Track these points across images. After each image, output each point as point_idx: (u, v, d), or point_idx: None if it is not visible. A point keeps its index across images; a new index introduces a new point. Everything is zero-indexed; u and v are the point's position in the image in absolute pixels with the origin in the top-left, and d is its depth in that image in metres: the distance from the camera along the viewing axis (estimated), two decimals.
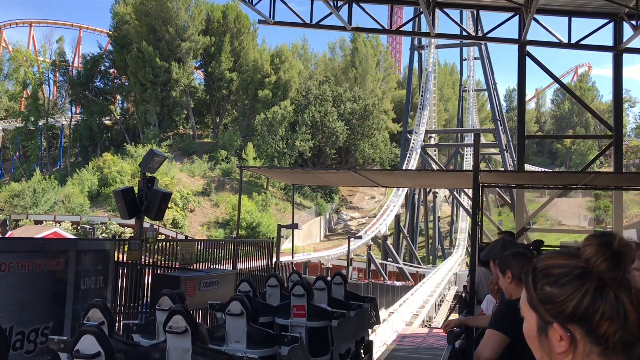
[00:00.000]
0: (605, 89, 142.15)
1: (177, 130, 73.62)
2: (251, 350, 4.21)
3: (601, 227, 49.13)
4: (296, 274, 7.84)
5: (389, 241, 53.80)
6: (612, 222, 16.19)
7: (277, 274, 7.41)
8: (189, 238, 41.72)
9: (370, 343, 7.95)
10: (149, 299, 8.62)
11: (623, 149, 14.21)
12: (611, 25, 13.54)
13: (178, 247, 9.78)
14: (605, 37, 13.86)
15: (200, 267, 10.19)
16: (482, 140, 68.54)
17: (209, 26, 70.50)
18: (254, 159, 63.17)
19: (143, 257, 8.86)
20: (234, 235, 12.42)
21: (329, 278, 7.73)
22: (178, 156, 65.83)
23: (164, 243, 9.86)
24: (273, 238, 13.71)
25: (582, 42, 13.69)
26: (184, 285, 7.69)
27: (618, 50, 13.46)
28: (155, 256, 9.40)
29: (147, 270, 8.99)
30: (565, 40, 13.64)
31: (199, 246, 10.68)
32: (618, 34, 13.47)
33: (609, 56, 13.90)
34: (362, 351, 7.40)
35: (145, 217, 9.12)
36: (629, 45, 13.21)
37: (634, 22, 12.57)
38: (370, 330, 8.26)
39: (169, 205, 38.51)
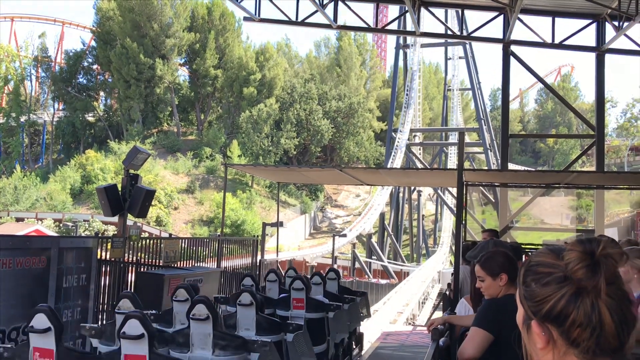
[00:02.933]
0: (588, 89, 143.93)
1: (161, 127, 73.14)
2: (260, 336, 4.53)
3: (583, 225, 49.66)
4: (293, 270, 8.41)
5: (374, 239, 53.94)
6: (594, 220, 16.37)
7: (276, 270, 7.92)
8: (172, 236, 41.50)
9: (361, 335, 8.56)
10: None
11: (605, 149, 14.37)
12: (594, 25, 13.70)
13: (162, 245, 9.72)
14: (588, 37, 14.02)
15: (185, 265, 10.14)
16: (466, 139, 68.97)
17: (194, 23, 70.11)
18: (238, 156, 62.99)
19: (126, 255, 8.79)
20: (219, 233, 12.38)
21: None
22: (162, 153, 65.40)
23: (148, 241, 9.78)
24: (258, 236, 13.67)
25: (566, 43, 13.83)
26: (167, 283, 7.65)
27: (600, 50, 13.61)
28: (139, 254, 9.33)
29: (130, 268, 8.93)
30: (549, 41, 13.77)
31: (183, 244, 10.62)
32: (600, 34, 13.62)
33: (592, 56, 14.05)
34: (353, 342, 7.96)
35: (128, 214, 9.05)
36: (611, 46, 13.37)
37: (616, 23, 12.71)
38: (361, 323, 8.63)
39: (153, 203, 38.25)
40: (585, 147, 15.19)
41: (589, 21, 13.64)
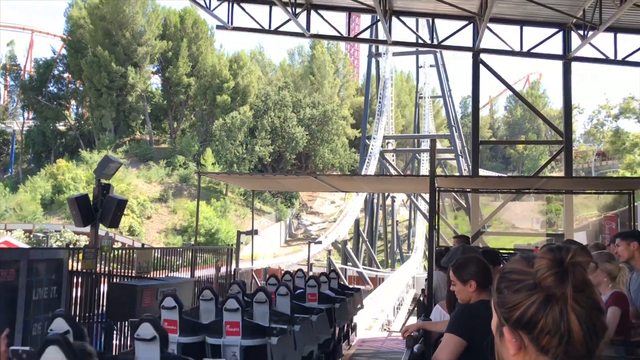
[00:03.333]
0: (556, 96, 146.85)
1: (134, 136, 72.33)
2: None
3: (553, 229, 50.48)
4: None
5: (349, 245, 54.05)
6: (563, 224, 16.69)
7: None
8: (145, 246, 40.98)
9: (355, 325, 10.13)
10: (104, 309, 8.47)
11: (573, 154, 14.69)
12: (560, 34, 14.03)
13: (134, 255, 9.63)
14: (556, 46, 14.35)
15: (158, 276, 10.05)
16: (438, 145, 69.81)
17: (166, 31, 69.63)
18: (212, 164, 62.59)
19: (98, 265, 8.69)
20: (192, 242, 12.30)
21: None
22: (134, 162, 64.64)
23: (120, 251, 9.68)
24: (232, 244, 13.62)
25: (534, 51, 14.14)
26: (140, 294, 7.58)
27: (567, 59, 13.94)
28: (111, 265, 9.23)
29: (102, 279, 8.82)
30: (517, 49, 14.05)
31: (156, 254, 10.54)
32: (567, 43, 13.96)
33: (559, 64, 14.38)
34: (341, 340, 8.89)
35: (100, 224, 8.96)
36: (577, 54, 13.70)
37: (581, 32, 13.04)
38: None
39: (125, 212, 37.70)
40: (554, 153, 15.51)
41: (555, 30, 13.96)
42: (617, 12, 10.55)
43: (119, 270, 9.46)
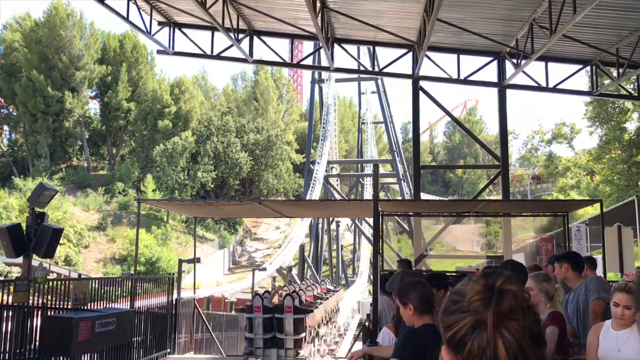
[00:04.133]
0: (492, 121, 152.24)
1: (71, 162, 70.00)
2: None
3: (493, 251, 51.87)
4: None
5: (294, 271, 53.78)
6: (502, 246, 17.16)
7: None
8: (82, 276, 39.42)
9: None
10: (37, 343, 8.03)
11: (509, 178, 15.22)
12: (495, 63, 14.62)
13: (71, 286, 9.22)
14: (491, 74, 14.93)
15: (96, 307, 9.65)
16: (381, 170, 70.86)
17: (105, 55, 68.23)
18: (153, 191, 61.14)
19: (31, 298, 8.26)
20: (132, 272, 11.91)
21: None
22: (71, 189, 62.45)
23: (55, 282, 9.25)
24: (174, 273, 13.27)
25: (470, 78, 14.66)
26: (76, 327, 7.25)
27: (502, 86, 14.52)
28: (46, 297, 8.80)
29: (36, 312, 8.39)
30: (455, 76, 14.53)
31: (94, 284, 10.12)
32: (501, 71, 14.55)
33: (494, 91, 14.95)
34: None
35: (34, 255, 8.56)
36: (512, 82, 14.29)
37: (515, 61, 13.62)
38: None
39: (61, 242, 36.19)
40: (492, 177, 16.00)
41: (490, 58, 14.55)
42: (548, 42, 11.09)
43: (53, 303, 9.03)
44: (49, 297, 8.93)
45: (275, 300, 10.58)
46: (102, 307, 9.91)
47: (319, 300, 13.22)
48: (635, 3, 11.00)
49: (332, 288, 17.68)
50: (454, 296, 1.27)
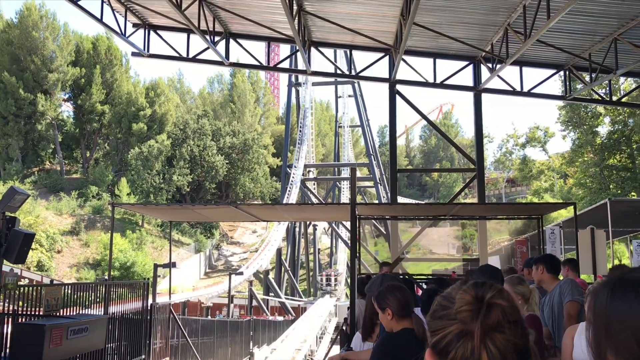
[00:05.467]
0: (467, 125, 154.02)
1: (43, 166, 68.79)
2: None
3: (468, 254, 52.39)
4: None
5: (271, 275, 53.57)
6: (478, 249, 17.32)
7: None
8: (55, 281, 38.70)
9: None
10: (8, 351, 7.84)
11: (485, 181, 15.36)
12: (471, 67, 14.75)
13: (43, 292, 9.03)
14: (467, 78, 15.06)
15: (68, 313, 9.47)
16: (358, 173, 71.07)
17: (79, 57, 67.27)
18: (127, 195, 60.41)
19: (2, 304, 8.07)
20: (106, 277, 11.73)
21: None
22: (44, 193, 61.34)
23: (26, 288, 9.05)
24: (149, 278, 13.10)
25: (446, 82, 14.77)
26: (48, 334, 7.09)
27: (477, 90, 14.66)
28: (17, 303, 8.60)
29: (6, 319, 8.19)
30: (431, 80, 14.63)
31: (67, 290, 9.93)
32: (477, 75, 14.69)
33: (470, 95, 15.09)
34: None
35: (4, 260, 8.35)
36: (487, 86, 14.44)
37: (490, 65, 13.77)
38: None
39: (33, 247, 35.45)
40: (467, 180, 16.14)
41: (466, 63, 14.68)
42: (522, 46, 11.23)
43: (25, 309, 8.83)
44: (20, 304, 8.73)
45: None
46: (75, 313, 9.72)
47: None
48: (607, 10, 11.20)
49: None
50: (442, 301, 1.26)
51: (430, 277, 11.23)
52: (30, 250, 8.82)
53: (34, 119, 63.25)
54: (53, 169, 68.84)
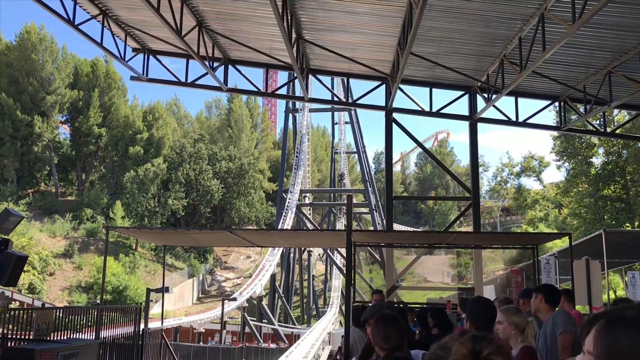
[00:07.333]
0: (462, 153, 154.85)
1: (38, 187, 68.61)
2: None
3: (463, 283, 52.15)
4: None
5: (265, 302, 53.10)
6: (473, 278, 17.25)
7: None
8: (46, 305, 38.27)
9: None
10: None
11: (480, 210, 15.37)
12: (467, 97, 14.89)
13: (33, 316, 8.93)
14: (462, 107, 15.19)
15: (59, 337, 9.35)
16: (353, 200, 71.08)
17: (77, 80, 67.67)
18: (122, 218, 60.15)
19: None
20: (98, 301, 11.61)
21: None
22: (38, 215, 61.02)
23: (17, 311, 8.95)
24: (141, 303, 12.98)
25: (442, 111, 14.88)
26: (38, 358, 6.99)
27: (473, 119, 14.77)
28: (7, 326, 8.49)
29: None
30: (427, 109, 14.74)
31: (58, 313, 9.82)
32: (473, 105, 14.81)
33: (465, 124, 15.19)
34: None
35: None
36: (482, 115, 14.55)
37: (485, 95, 13.90)
38: None
39: (25, 269, 35.13)
40: (463, 209, 16.16)
41: (462, 92, 14.82)
42: (518, 77, 11.37)
43: (15, 333, 8.72)
44: (10, 327, 8.63)
45: None
46: (66, 337, 9.60)
47: None
48: (601, 43, 11.37)
49: None
50: (439, 351, 1.27)
51: (426, 305, 11.15)
52: (22, 272, 8.74)
53: (31, 140, 63.28)
54: (48, 190, 68.64)
